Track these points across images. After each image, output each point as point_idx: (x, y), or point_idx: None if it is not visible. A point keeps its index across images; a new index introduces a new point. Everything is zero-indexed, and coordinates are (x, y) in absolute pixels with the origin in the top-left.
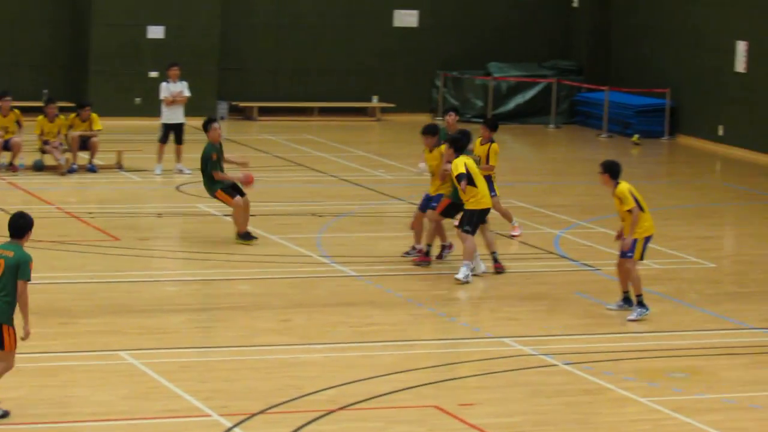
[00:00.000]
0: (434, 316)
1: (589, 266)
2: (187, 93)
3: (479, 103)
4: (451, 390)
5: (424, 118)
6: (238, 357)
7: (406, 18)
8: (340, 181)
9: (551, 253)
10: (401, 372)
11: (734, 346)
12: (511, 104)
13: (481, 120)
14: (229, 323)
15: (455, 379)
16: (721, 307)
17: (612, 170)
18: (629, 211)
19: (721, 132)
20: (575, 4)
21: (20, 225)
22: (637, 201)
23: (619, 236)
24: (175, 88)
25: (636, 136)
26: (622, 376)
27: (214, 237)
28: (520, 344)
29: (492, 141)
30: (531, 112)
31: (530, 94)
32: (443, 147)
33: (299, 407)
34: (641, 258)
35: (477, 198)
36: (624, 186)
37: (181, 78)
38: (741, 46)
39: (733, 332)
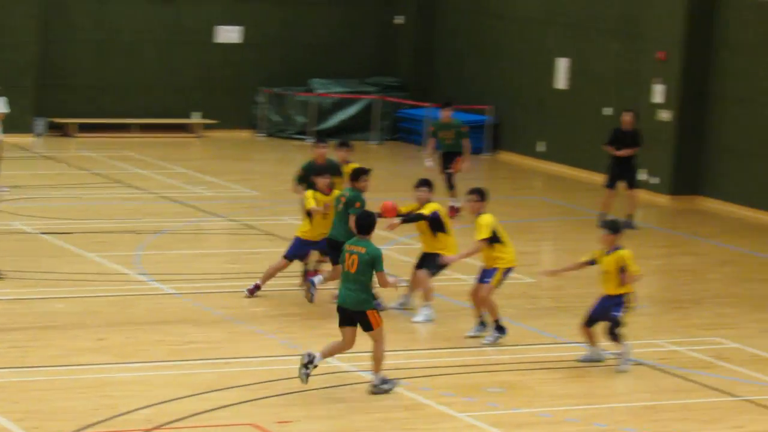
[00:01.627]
0: (253, 333)
1: (405, 281)
2: (5, 109)
3: (301, 120)
4: (269, 407)
5: (247, 135)
6: (53, 377)
7: (228, 34)
8: (159, 198)
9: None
10: (219, 390)
11: (551, 360)
12: (334, 120)
13: (316, 138)
14: (44, 342)
15: (273, 396)
16: (538, 321)
17: (483, 196)
18: (480, 241)
19: (541, 148)
20: (399, 21)
21: (368, 223)
22: (496, 234)
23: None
24: None
25: None
26: (440, 392)
27: (30, 255)
28: (338, 361)
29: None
30: (353, 129)
31: (353, 110)
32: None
33: (114, 426)
34: (497, 286)
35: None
36: (487, 218)
37: (0, 94)
38: (562, 63)
39: (550, 347)
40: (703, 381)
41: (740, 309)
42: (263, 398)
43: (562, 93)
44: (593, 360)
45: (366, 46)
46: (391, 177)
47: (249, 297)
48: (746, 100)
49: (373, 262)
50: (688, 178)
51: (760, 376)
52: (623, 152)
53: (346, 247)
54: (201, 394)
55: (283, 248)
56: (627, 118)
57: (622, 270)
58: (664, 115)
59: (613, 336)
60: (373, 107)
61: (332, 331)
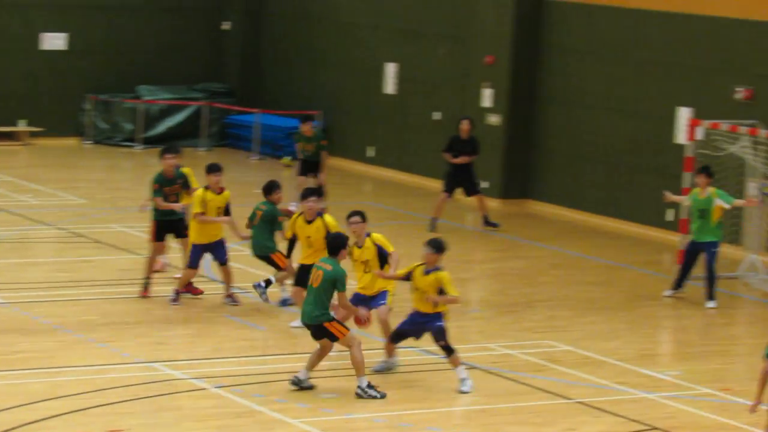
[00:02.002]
0: (84, 342)
1: (240, 289)
2: None
3: (129, 127)
4: (100, 416)
5: (74, 142)
6: None
7: (54, 41)
8: None
9: (201, 276)
10: (49, 399)
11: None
12: (162, 127)
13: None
14: None
15: (105, 405)
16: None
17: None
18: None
19: (371, 153)
20: (226, 27)
21: (337, 244)
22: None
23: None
24: None
25: (287, 158)
26: (273, 398)
27: None
28: (170, 369)
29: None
30: (182, 135)
31: (181, 117)
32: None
33: None
34: None
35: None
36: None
37: None
38: (389, 68)
39: (380, 352)
40: (535, 384)
41: (571, 312)
42: (94, 407)
43: (390, 98)
44: (387, 370)
45: (193, 52)
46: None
47: (175, 303)
48: (573, 104)
49: (335, 282)
50: (517, 182)
51: (591, 377)
52: (460, 159)
53: (317, 262)
54: (31, 404)
55: (112, 255)
56: (464, 125)
57: (439, 291)
58: (493, 119)
59: (446, 348)
60: (201, 114)
61: (164, 339)
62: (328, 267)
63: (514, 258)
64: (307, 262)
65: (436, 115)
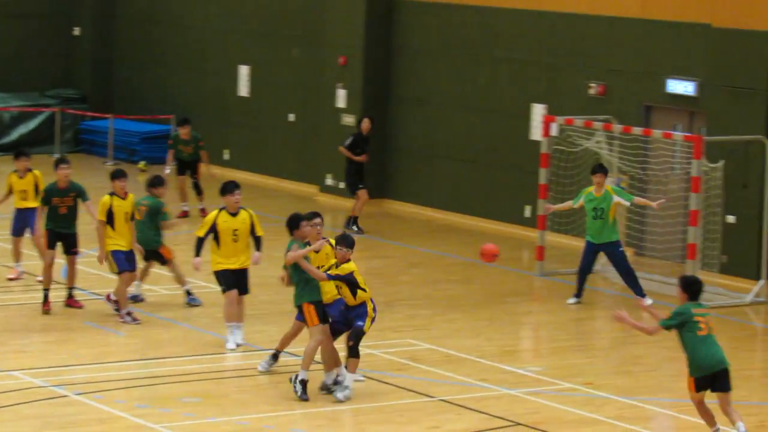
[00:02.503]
0: None
1: (98, 295)
2: None
3: None
4: None
5: None
6: None
7: None
8: None
9: (59, 282)
10: None
11: (245, 368)
12: (14, 135)
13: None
14: None
15: None
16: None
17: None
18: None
19: (226, 156)
20: (76, 32)
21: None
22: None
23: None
24: None
25: (142, 163)
26: (135, 404)
27: None
28: (29, 376)
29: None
30: (35, 142)
31: (33, 123)
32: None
33: None
34: None
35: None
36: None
37: None
38: (243, 71)
39: (244, 354)
40: (398, 383)
41: (432, 310)
42: None
43: (245, 100)
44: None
45: (44, 58)
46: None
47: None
48: (427, 103)
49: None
50: (375, 182)
51: (454, 375)
52: (362, 158)
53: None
54: None
55: None
56: (365, 124)
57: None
58: (348, 120)
59: (352, 350)
60: (54, 120)
61: (23, 347)
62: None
63: (374, 258)
64: (232, 263)
65: (291, 117)
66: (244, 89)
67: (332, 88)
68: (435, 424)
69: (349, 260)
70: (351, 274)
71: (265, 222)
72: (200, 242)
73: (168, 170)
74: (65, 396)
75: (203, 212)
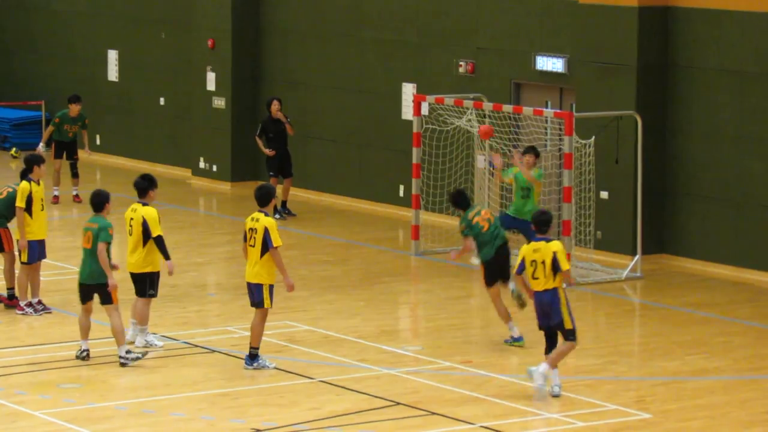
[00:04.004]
0: None
1: None
2: None
3: None
4: None
5: None
6: None
7: None
8: None
9: None
10: None
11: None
12: None
13: None
14: None
15: None
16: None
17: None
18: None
19: (98, 141)
20: None
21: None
22: None
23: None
24: None
25: (14, 149)
26: (14, 390)
27: None
28: None
29: None
30: None
31: None
32: None
33: None
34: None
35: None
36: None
37: None
38: (111, 55)
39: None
40: (278, 365)
41: (308, 291)
42: None
43: (115, 85)
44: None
45: None
46: None
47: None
48: (297, 84)
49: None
50: (245, 164)
51: (332, 356)
52: (270, 152)
53: (85, 224)
54: None
55: None
56: (274, 106)
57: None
58: (218, 103)
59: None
60: None
61: None
62: (95, 225)
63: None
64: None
65: (162, 101)
66: (113, 74)
67: (202, 71)
68: (315, 405)
69: None
70: None
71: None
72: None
73: (42, 148)
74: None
75: (77, 198)
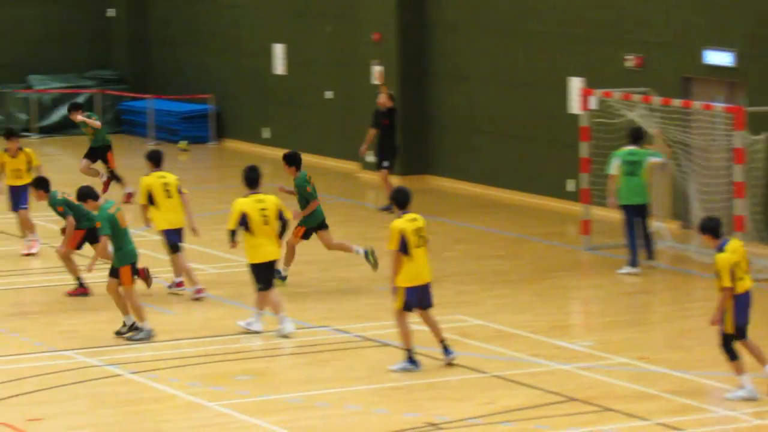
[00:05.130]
0: None
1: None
2: None
3: (24, 117)
4: (17, 406)
5: None
6: None
7: None
8: None
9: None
10: None
11: (296, 345)
12: (56, 116)
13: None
14: None
15: (21, 395)
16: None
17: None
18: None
19: (266, 134)
20: (111, 14)
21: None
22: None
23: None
24: None
25: (183, 143)
26: (187, 382)
27: None
28: (83, 356)
29: None
30: (75, 124)
31: None
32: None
33: None
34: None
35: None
36: (396, 223)
37: None
38: (278, 49)
39: (299, 332)
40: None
41: (479, 286)
42: (11, 397)
43: (282, 78)
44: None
45: (80, 40)
46: (121, 169)
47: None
48: (464, 78)
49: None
50: (416, 158)
51: (505, 351)
52: (371, 132)
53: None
54: None
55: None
56: (381, 99)
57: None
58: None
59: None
60: (93, 101)
61: (75, 327)
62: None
63: None
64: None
65: (328, 94)
66: (280, 67)
67: (367, 65)
68: (489, 400)
69: None
70: None
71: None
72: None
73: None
74: (119, 375)
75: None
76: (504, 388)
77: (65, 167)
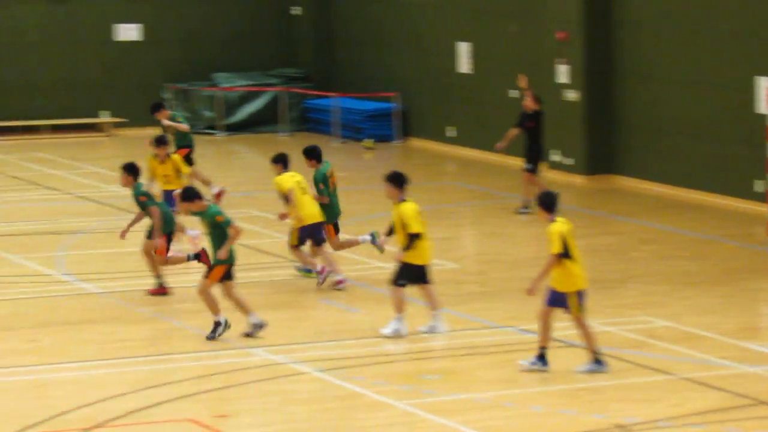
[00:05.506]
0: (181, 329)
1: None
2: None
3: (209, 114)
4: (205, 402)
5: (156, 131)
6: None
7: (128, 32)
8: (76, 198)
9: (292, 260)
10: (153, 387)
11: (483, 345)
12: (242, 114)
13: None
14: None
15: (209, 391)
16: (466, 306)
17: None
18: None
19: (451, 133)
20: (296, 11)
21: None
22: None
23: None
24: None
25: (369, 141)
26: (374, 381)
27: None
28: (269, 353)
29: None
30: (261, 121)
31: (259, 103)
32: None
33: (54, 427)
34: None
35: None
36: (555, 227)
37: None
38: (463, 47)
39: (481, 332)
40: (637, 360)
41: (666, 287)
42: (199, 393)
43: (466, 77)
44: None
45: (265, 38)
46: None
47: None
48: (650, 77)
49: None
50: (601, 158)
51: (693, 353)
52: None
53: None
54: (136, 391)
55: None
56: (526, 102)
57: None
58: (571, 96)
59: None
60: (278, 99)
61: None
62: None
63: (604, 234)
64: None
65: (513, 93)
66: (465, 66)
67: (551, 64)
68: (677, 402)
69: None
70: None
71: (492, 200)
72: None
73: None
74: (306, 373)
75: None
76: (693, 391)
77: (251, 164)
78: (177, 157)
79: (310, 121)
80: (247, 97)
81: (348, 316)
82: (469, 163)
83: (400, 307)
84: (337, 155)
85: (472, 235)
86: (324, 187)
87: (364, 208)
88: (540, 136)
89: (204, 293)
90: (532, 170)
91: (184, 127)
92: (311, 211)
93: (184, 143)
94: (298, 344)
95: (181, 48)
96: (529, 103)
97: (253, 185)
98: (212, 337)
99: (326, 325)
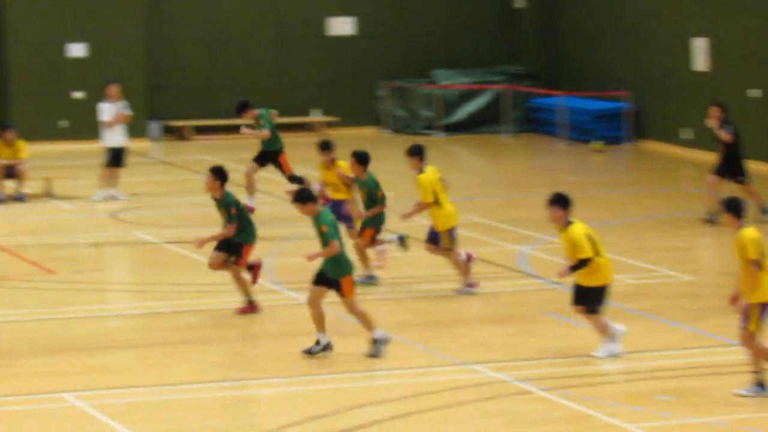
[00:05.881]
0: (398, 343)
1: (558, 284)
2: (128, 112)
3: (427, 114)
4: (421, 422)
5: (371, 131)
6: (191, 395)
7: (342, 26)
8: (283, 202)
9: (516, 270)
10: (367, 405)
11: (722, 365)
12: (462, 113)
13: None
14: (178, 358)
15: (427, 410)
16: (705, 323)
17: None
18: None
19: (685, 135)
20: (520, 5)
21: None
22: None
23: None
24: (114, 109)
25: (598, 143)
26: (605, 402)
27: (155, 266)
28: (492, 371)
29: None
30: (482, 121)
31: (480, 102)
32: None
33: None
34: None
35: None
36: (748, 233)
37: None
38: (699, 43)
39: (721, 350)
40: None
41: None
42: (417, 413)
43: (702, 75)
44: None
45: (485, 33)
46: (530, 172)
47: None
48: None
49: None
50: None
51: None
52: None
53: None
54: (351, 409)
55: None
56: (712, 111)
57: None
58: None
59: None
60: (501, 98)
61: (483, 339)
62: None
63: None
64: None
65: (754, 93)
66: (700, 63)
67: None
68: None
69: None
70: None
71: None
72: None
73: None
74: (530, 392)
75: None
76: None
77: (470, 168)
78: (343, 164)
79: (534, 121)
80: (467, 96)
81: (574, 331)
82: (705, 167)
83: (604, 330)
84: (563, 158)
85: (711, 246)
86: (382, 195)
87: (594, 215)
88: (739, 147)
89: (354, 311)
90: (742, 181)
91: (263, 134)
92: (452, 211)
93: (276, 147)
94: (521, 361)
95: (398, 43)
96: (724, 137)
97: (473, 190)
98: (374, 354)
99: (551, 340)
